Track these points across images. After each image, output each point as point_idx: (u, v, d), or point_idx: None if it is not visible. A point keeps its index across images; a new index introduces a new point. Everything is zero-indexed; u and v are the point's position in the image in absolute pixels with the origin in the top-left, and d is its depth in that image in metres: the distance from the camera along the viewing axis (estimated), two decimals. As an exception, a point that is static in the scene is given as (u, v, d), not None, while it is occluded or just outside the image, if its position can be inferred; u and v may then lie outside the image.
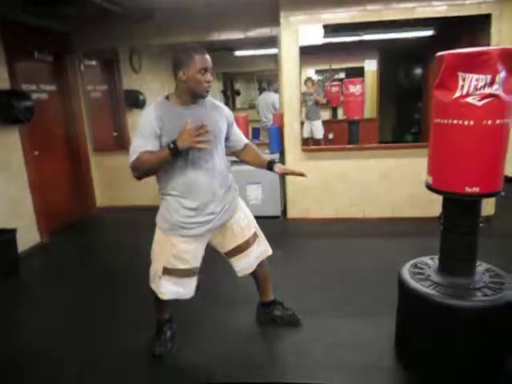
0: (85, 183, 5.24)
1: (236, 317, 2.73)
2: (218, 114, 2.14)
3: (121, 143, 5.60)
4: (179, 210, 2.07)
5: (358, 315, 2.68)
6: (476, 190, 1.82)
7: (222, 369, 2.24)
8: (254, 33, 4.82)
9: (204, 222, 2.11)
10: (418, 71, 7.38)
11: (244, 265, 2.35)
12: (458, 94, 1.78)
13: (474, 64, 1.75)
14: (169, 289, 2.18)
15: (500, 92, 1.75)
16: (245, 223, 2.32)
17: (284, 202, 4.84)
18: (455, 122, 1.80)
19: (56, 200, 4.70)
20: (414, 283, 2.04)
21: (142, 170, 2.00)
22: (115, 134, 5.69)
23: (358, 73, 7.04)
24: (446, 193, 1.94)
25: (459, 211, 1.98)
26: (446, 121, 1.83)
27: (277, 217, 4.73)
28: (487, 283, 1.99)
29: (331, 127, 6.52)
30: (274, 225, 4.57)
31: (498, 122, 1.76)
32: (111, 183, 5.41)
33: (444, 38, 5.26)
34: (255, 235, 2.38)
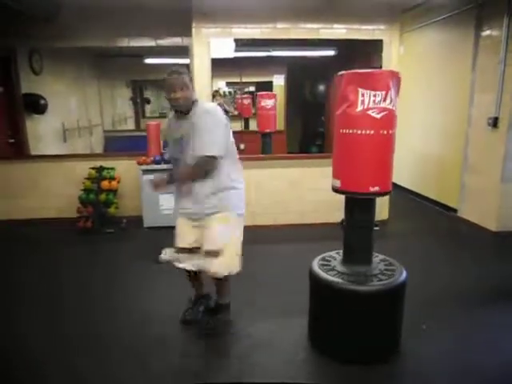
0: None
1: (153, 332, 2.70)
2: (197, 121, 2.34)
3: (19, 151, 5.16)
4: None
5: (273, 317, 2.79)
6: (377, 189, 2.12)
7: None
8: (165, 41, 4.83)
9: None
10: (322, 87, 7.94)
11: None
12: (360, 108, 2.03)
13: (371, 82, 2.03)
14: None
15: (391, 106, 2.06)
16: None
17: (198, 211, 4.85)
18: (359, 131, 2.06)
19: None
20: (322, 273, 2.29)
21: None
22: (12, 140, 5.22)
23: (267, 87, 7.36)
24: (353, 193, 2.19)
25: (359, 209, 2.27)
26: (350, 131, 2.08)
27: (191, 226, 4.71)
28: (382, 270, 2.31)
29: (243, 138, 6.71)
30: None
31: (390, 131, 2.09)
32: (7, 194, 4.93)
33: (345, 58, 5.76)
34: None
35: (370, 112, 2.02)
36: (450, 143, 5.26)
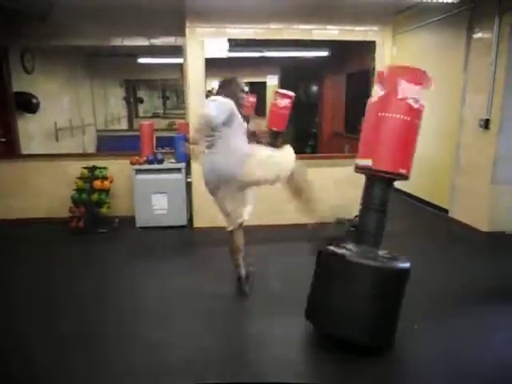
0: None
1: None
2: None
3: (10, 150, 5.11)
4: None
5: (272, 316, 2.79)
6: (404, 171, 2.25)
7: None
8: (159, 41, 4.81)
9: None
10: (315, 88, 7.96)
11: None
12: (401, 96, 2.21)
13: (410, 76, 2.26)
14: None
15: (422, 101, 2.26)
16: None
17: (190, 211, 4.84)
18: (398, 116, 2.21)
19: None
20: (332, 248, 2.39)
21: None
22: (3, 139, 5.17)
23: (261, 87, 7.37)
24: (384, 172, 2.26)
25: (378, 190, 2.37)
26: (390, 114, 2.22)
27: (183, 226, 4.70)
28: (386, 255, 2.42)
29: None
30: (181, 234, 4.56)
31: (419, 122, 2.27)
32: (-2, 194, 4.89)
33: (338, 59, 5.78)
34: None
35: (409, 101, 2.20)
36: (442, 144, 5.30)
